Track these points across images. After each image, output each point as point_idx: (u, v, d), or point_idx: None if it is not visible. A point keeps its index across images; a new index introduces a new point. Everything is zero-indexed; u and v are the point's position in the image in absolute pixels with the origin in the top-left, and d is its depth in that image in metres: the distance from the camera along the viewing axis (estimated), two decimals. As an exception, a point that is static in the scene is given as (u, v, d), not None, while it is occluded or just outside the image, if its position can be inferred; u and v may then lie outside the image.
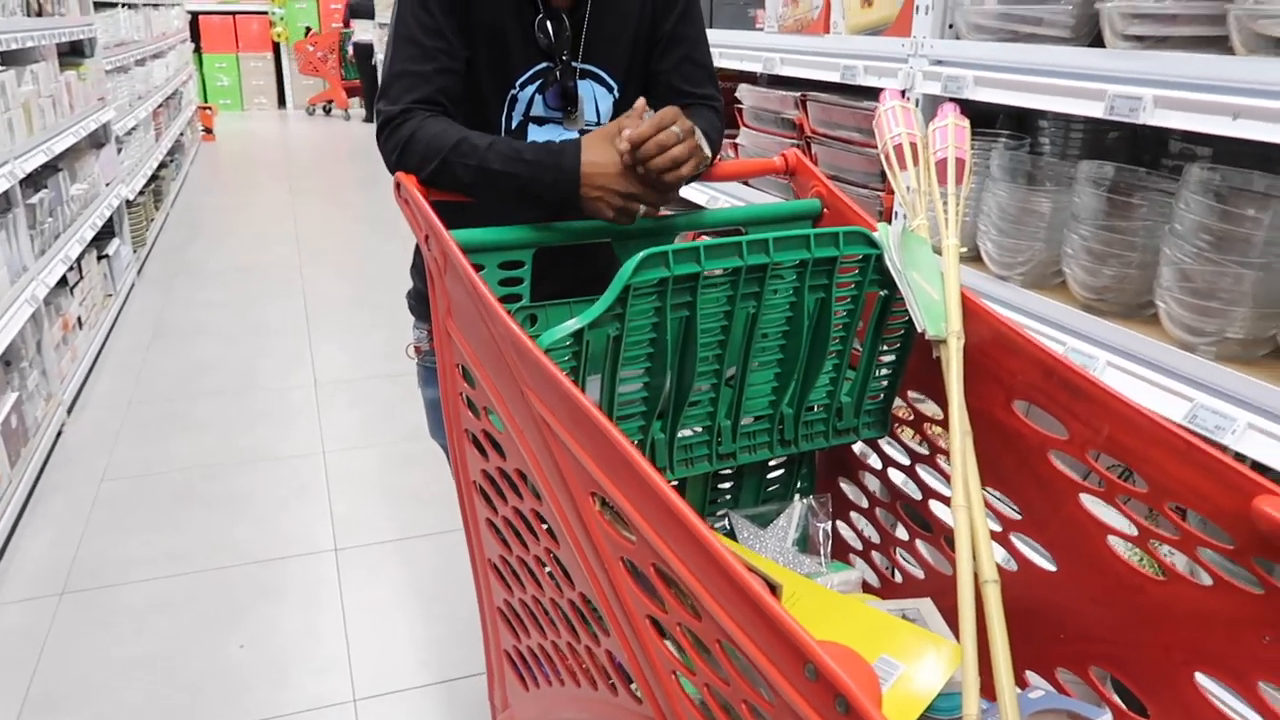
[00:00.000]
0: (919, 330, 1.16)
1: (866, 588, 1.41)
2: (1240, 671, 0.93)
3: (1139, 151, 1.69)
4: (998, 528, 1.20)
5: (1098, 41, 1.43)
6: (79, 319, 3.63)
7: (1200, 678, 0.99)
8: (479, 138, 1.23)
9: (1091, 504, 1.08)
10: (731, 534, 1.37)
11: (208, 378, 3.66)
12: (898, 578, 1.42)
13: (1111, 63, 1.40)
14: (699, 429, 1.24)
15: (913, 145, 1.32)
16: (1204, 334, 1.31)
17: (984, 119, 1.84)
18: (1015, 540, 1.20)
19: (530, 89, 1.36)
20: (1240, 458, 1.18)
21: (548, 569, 1.07)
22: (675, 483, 1.36)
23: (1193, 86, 1.27)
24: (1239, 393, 1.26)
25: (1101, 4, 1.41)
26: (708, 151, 1.24)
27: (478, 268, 1.18)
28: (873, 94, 1.98)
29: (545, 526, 1.08)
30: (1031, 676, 1.18)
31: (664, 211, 1.30)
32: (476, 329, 1.10)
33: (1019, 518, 1.18)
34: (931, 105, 1.76)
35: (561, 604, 1.06)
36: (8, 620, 2.26)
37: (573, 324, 1.04)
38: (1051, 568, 1.15)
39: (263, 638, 2.20)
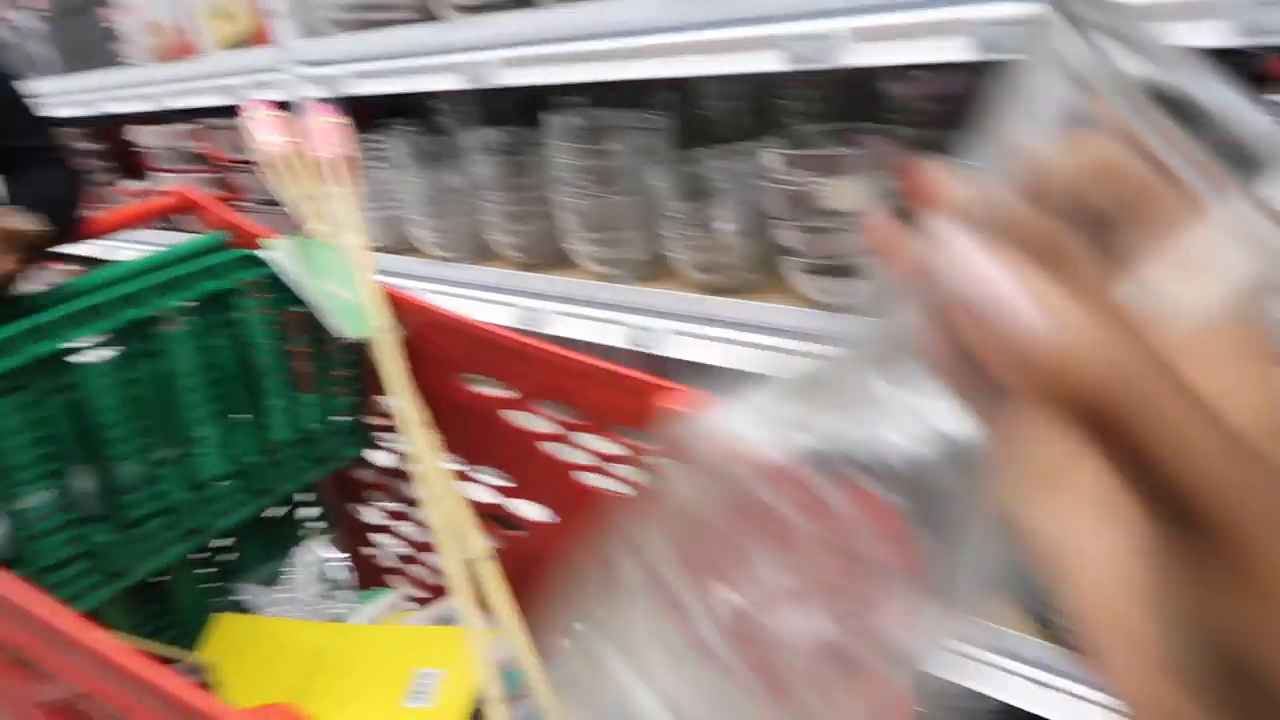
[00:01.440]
0: (336, 335, 1.12)
1: (418, 601, 1.37)
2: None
3: (528, 112, 1.81)
4: (498, 499, 1.21)
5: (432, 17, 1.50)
6: None
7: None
8: None
9: (559, 449, 1.14)
10: (248, 608, 1.25)
11: None
12: (437, 580, 1.39)
13: (456, 34, 1.46)
14: (158, 511, 1.09)
15: (290, 152, 1.27)
16: (612, 263, 1.43)
17: (389, 111, 1.86)
18: (517, 506, 1.22)
19: None
20: (681, 364, 1.33)
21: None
22: (163, 579, 1.20)
23: (524, 42, 1.37)
24: (656, 305, 1.40)
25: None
26: (32, 228, 1.07)
27: None
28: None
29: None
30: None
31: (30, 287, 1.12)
32: None
33: (512, 484, 1.20)
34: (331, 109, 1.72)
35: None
36: None
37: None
38: (553, 518, 1.19)
39: None
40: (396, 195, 1.72)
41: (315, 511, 1.40)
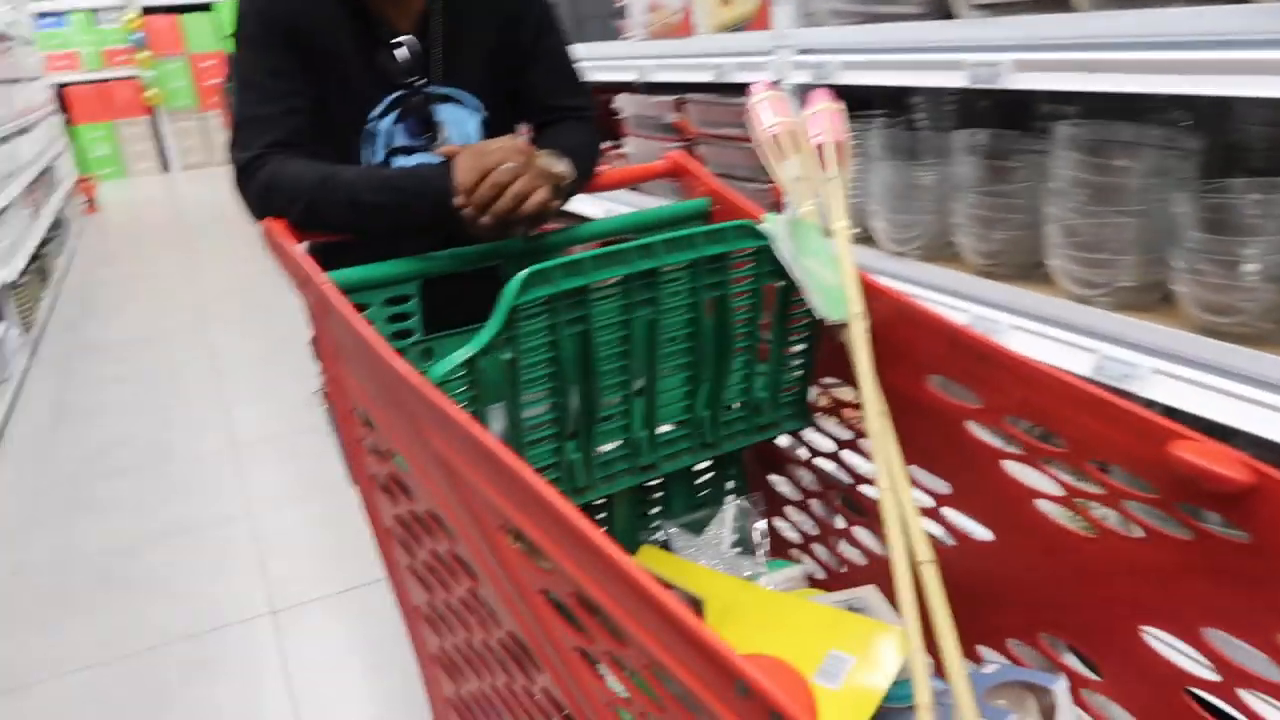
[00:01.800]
0: (818, 317, 1.14)
1: (814, 582, 1.38)
2: (1184, 620, 0.93)
3: (1012, 115, 1.73)
4: (930, 503, 1.18)
5: (949, 15, 1.47)
6: (-32, 412, 3.41)
7: (1147, 631, 0.98)
8: (345, 171, 1.18)
9: (1018, 469, 1.08)
10: (669, 545, 1.34)
11: (116, 455, 3.50)
12: (838, 566, 1.40)
13: (966, 32, 1.42)
14: (617, 443, 1.19)
15: (790, 133, 1.31)
16: (1097, 286, 1.33)
17: (860, 102, 1.85)
18: (948, 514, 1.18)
19: (387, 120, 1.31)
20: (1150, 404, 1.19)
21: (473, 611, 1.02)
22: (604, 500, 1.32)
23: (1045, 47, 1.30)
24: (1140, 340, 1.28)
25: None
26: (563, 170, 1.20)
27: (361, 307, 1.12)
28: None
29: (465, 566, 1.02)
30: (984, 651, 1.16)
31: (551, 226, 1.26)
32: (367, 372, 1.04)
33: (948, 491, 1.16)
34: (803, 94, 1.76)
35: (492, 645, 1.01)
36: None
37: (462, 353, 0.99)
38: (988, 537, 1.13)
39: (203, 715, 2.09)
40: (862, 185, 1.71)
41: (733, 475, 1.45)
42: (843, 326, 1.14)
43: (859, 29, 1.64)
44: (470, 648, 1.08)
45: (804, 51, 1.78)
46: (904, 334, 1.13)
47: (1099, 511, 0.99)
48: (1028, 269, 1.46)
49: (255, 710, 2.09)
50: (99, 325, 5.27)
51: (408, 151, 1.32)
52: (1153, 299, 1.32)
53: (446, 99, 1.33)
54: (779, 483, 1.49)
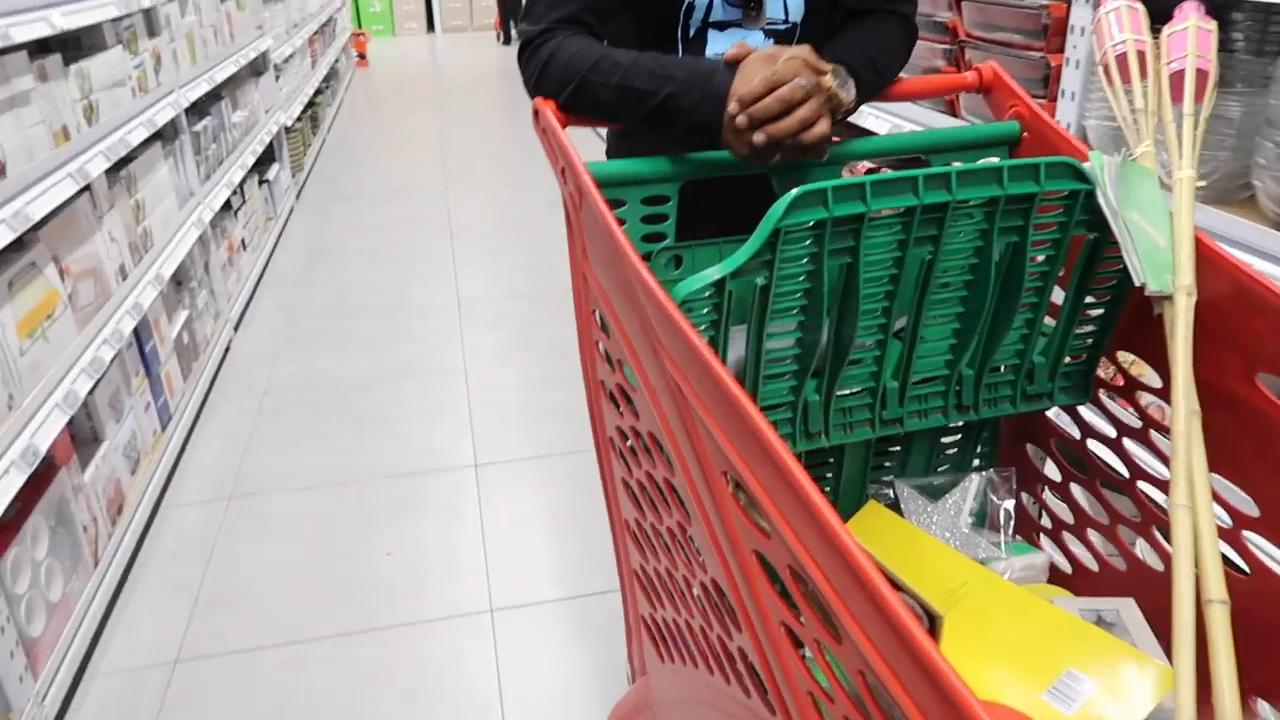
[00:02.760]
0: (1137, 283, 0.95)
1: (1055, 573, 1.23)
2: None
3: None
4: (1226, 522, 0.99)
5: None
6: (243, 241, 3.76)
7: None
8: (622, 54, 1.09)
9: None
10: (896, 505, 1.22)
11: (360, 296, 3.77)
12: (1091, 564, 1.23)
13: None
14: (859, 389, 1.08)
15: (1140, 55, 1.08)
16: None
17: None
18: (1248, 539, 0.99)
19: None
20: None
21: (680, 548, 0.96)
22: (832, 446, 1.22)
23: None
24: None
25: None
26: (847, 98, 1.04)
27: (618, 204, 1.05)
28: None
29: (679, 498, 0.96)
30: (1261, 705, 0.98)
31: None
32: (610, 273, 0.98)
33: (1255, 514, 0.97)
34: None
35: (695, 585, 0.95)
36: (184, 522, 2.41)
37: (713, 272, 0.90)
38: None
39: (406, 547, 2.27)
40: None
41: (985, 439, 1.30)
42: (1163, 299, 0.95)
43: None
44: (672, 579, 1.03)
45: None
46: (1241, 319, 0.93)
47: None
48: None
49: (452, 550, 2.25)
50: (357, 175, 5.65)
51: (721, 26, 1.20)
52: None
53: None
54: (1036, 456, 1.32)
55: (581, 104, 1.12)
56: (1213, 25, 1.06)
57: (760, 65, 1.00)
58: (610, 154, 1.36)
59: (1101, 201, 0.97)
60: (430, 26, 12.19)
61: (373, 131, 6.84)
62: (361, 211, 4.93)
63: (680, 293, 0.89)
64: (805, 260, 0.92)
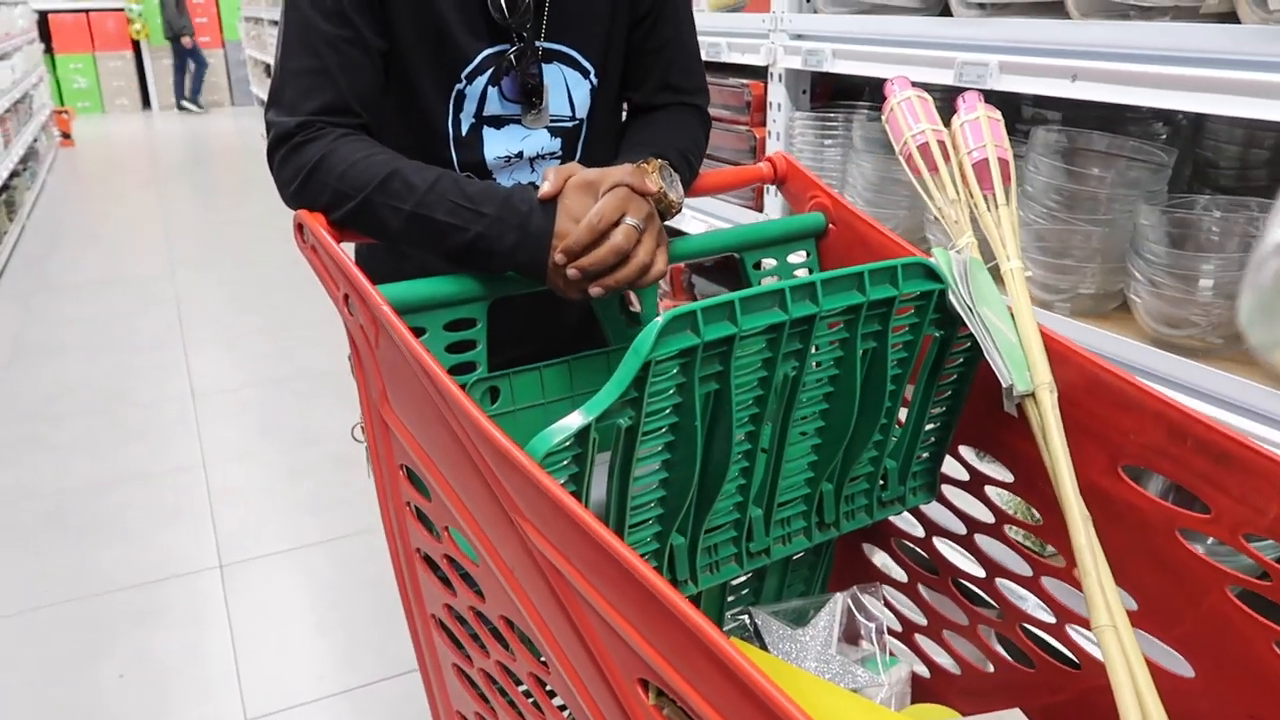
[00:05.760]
0: (1004, 384, 0.90)
1: (916, 682, 1.16)
2: None
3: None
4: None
5: (947, 11, 1.50)
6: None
7: None
8: (414, 171, 0.92)
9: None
10: (755, 636, 1.10)
11: (73, 396, 3.35)
12: (952, 667, 1.17)
13: (958, 30, 1.44)
14: (724, 523, 0.96)
15: (940, 144, 1.07)
16: (1059, 291, 1.36)
17: (848, 92, 1.92)
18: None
19: (481, 80, 1.03)
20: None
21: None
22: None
23: (1033, 51, 1.31)
24: (1092, 345, 1.14)
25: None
26: (678, 199, 0.95)
27: (417, 332, 0.87)
28: (741, 71, 2.01)
29: (549, 691, 0.79)
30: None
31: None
32: (428, 423, 0.79)
33: (1134, 608, 0.94)
34: (795, 81, 1.86)
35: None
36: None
37: (573, 421, 0.74)
38: (1185, 673, 0.91)
39: (143, 664, 1.98)
40: (841, 176, 1.70)
41: (826, 552, 1.22)
42: (1020, 397, 0.91)
43: (854, 18, 1.67)
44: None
45: (797, 37, 1.78)
46: (1097, 411, 0.91)
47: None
48: (994, 271, 1.34)
49: (197, 661, 2.01)
50: (64, 263, 5.09)
51: (498, 123, 1.05)
52: (1109, 308, 1.37)
53: (555, 57, 1.06)
54: (876, 557, 1.26)
55: (361, 226, 0.94)
56: (998, 114, 1.06)
57: (581, 200, 0.88)
58: (364, 264, 1.14)
59: (954, 301, 0.92)
60: (146, 103, 11.16)
61: (83, 216, 6.17)
62: (72, 303, 4.39)
63: (539, 449, 0.72)
64: (672, 392, 0.79)
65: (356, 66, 0.96)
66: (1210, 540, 0.88)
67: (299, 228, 0.93)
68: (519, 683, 0.80)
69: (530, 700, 0.79)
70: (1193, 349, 1.24)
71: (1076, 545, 0.82)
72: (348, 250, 0.90)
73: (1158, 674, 0.93)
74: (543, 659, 0.74)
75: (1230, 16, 1.10)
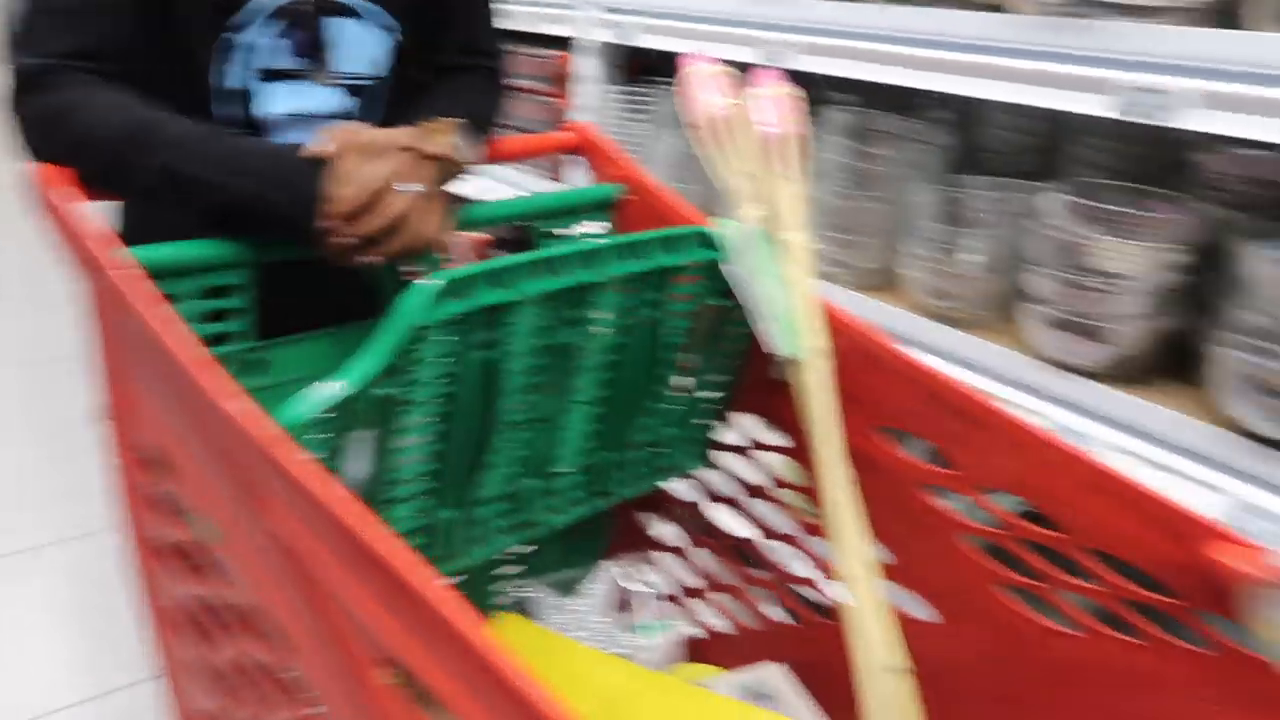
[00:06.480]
0: (774, 350, 0.93)
1: (693, 645, 1.18)
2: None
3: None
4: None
5: None
6: None
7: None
8: (175, 124, 0.82)
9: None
10: (530, 610, 1.10)
11: None
12: (727, 628, 1.20)
13: (765, 10, 1.49)
14: (497, 496, 0.94)
15: (732, 119, 1.08)
16: (845, 265, 1.44)
17: (653, 69, 1.94)
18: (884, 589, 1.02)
19: (255, 30, 0.92)
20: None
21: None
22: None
23: (835, 33, 1.39)
24: (884, 324, 1.33)
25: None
26: (473, 157, 0.91)
27: (168, 299, 0.80)
28: (549, 42, 2.01)
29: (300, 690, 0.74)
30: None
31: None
32: (172, 397, 0.73)
33: (892, 561, 0.99)
34: (610, 53, 1.89)
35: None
36: None
37: (332, 389, 0.69)
38: (934, 619, 0.97)
39: None
40: (647, 151, 1.73)
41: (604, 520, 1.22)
42: (793, 363, 0.94)
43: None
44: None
45: (611, 11, 1.82)
46: (866, 379, 0.94)
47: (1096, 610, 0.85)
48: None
49: None
50: None
51: (281, 76, 0.96)
52: (884, 281, 1.45)
53: (345, 10, 0.97)
54: (653, 524, 1.27)
55: (113, 182, 0.84)
56: (796, 90, 1.09)
57: (357, 162, 0.81)
58: (131, 225, 1.02)
59: (731, 269, 0.94)
60: None
61: None
62: None
63: (291, 419, 0.67)
64: (441, 360, 0.76)
65: (112, 8, 0.85)
66: (958, 496, 0.94)
67: (36, 184, 0.83)
68: (267, 672, 0.75)
69: (278, 688, 0.75)
70: (958, 320, 1.33)
71: (830, 502, 0.85)
72: (107, 211, 0.81)
73: (909, 622, 0.99)
74: (286, 645, 0.70)
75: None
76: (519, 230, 1.11)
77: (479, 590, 1.09)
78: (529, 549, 1.13)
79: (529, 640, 1.04)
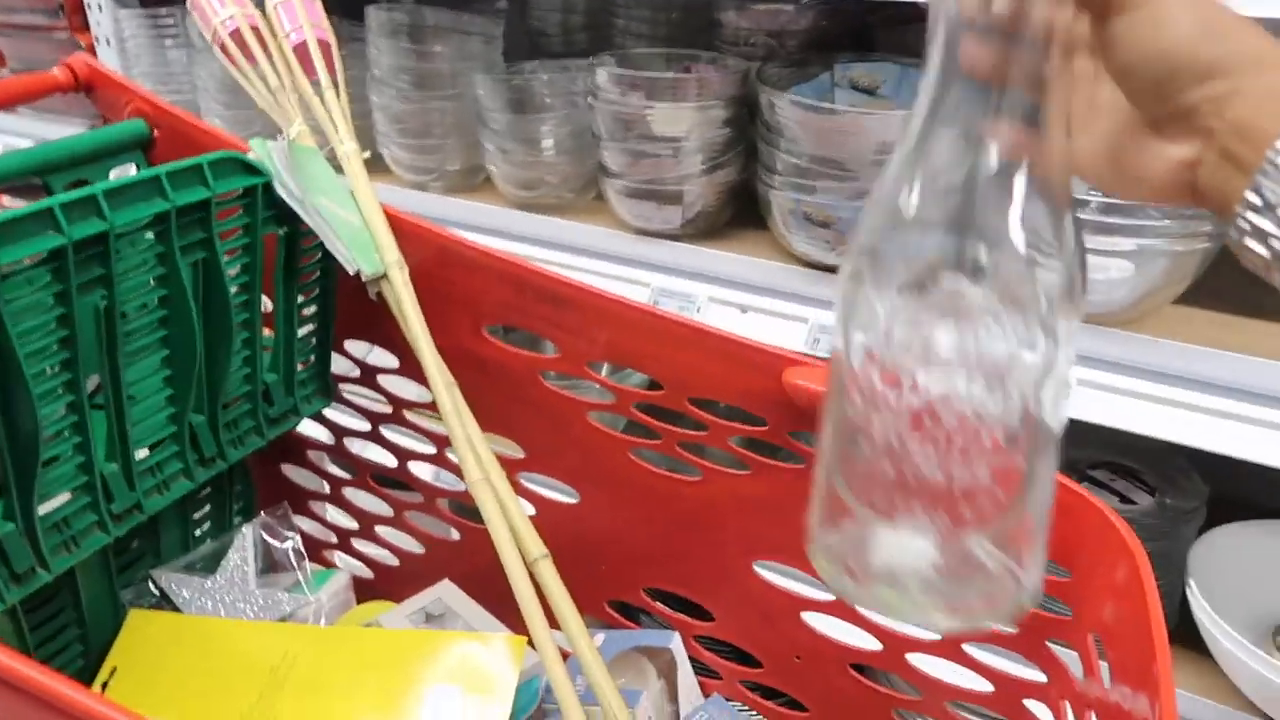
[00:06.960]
0: (351, 271, 0.87)
1: (360, 585, 1.14)
2: (797, 548, 0.88)
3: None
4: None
5: None
6: None
7: (761, 567, 0.93)
8: None
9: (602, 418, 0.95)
10: (165, 600, 0.99)
11: None
12: (391, 560, 1.17)
13: None
14: (71, 492, 0.81)
15: (255, 30, 0.99)
16: (428, 171, 1.42)
17: None
18: (525, 482, 1.03)
19: None
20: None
21: None
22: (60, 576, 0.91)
23: None
24: (464, 219, 1.35)
25: None
26: None
27: None
28: None
29: None
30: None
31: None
32: None
33: (523, 456, 1.00)
34: None
35: None
36: None
37: None
38: (572, 500, 1.00)
39: None
40: (189, 80, 1.62)
41: (239, 482, 1.13)
42: (377, 280, 0.89)
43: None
44: None
45: None
46: (456, 281, 0.92)
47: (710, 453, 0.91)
48: (370, 162, 1.44)
49: None
50: None
51: None
52: (478, 180, 1.45)
53: None
54: (296, 475, 1.20)
55: None
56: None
57: None
58: None
59: (282, 192, 0.86)
60: None
61: None
62: None
63: None
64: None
65: None
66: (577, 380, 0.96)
67: None
68: None
69: None
70: (548, 206, 1.35)
71: (443, 411, 0.83)
72: None
73: (550, 507, 1.02)
74: None
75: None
76: (36, 193, 0.95)
77: (108, 600, 0.96)
78: (148, 536, 1.01)
79: (170, 633, 0.94)
